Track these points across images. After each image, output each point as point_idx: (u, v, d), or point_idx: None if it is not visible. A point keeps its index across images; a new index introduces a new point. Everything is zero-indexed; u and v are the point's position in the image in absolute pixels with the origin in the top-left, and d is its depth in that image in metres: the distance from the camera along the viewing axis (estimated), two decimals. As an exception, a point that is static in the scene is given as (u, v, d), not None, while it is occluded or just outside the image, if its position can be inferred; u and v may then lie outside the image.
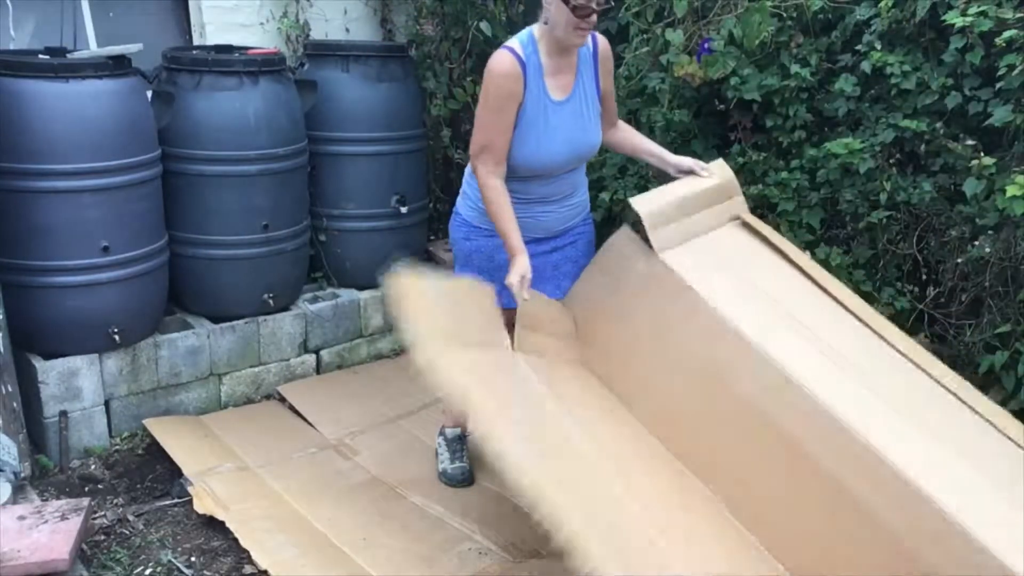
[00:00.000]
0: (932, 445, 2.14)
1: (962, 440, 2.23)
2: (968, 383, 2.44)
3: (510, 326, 2.46)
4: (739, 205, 2.72)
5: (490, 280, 2.59)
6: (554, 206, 2.61)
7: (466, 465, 2.89)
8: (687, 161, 2.67)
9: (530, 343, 2.40)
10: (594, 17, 2.37)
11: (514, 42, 2.48)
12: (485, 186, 2.47)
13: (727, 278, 2.45)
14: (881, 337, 2.48)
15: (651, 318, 2.44)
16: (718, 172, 2.69)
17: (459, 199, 2.73)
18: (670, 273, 2.42)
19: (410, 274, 2.34)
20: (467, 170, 2.67)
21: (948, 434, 2.23)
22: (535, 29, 2.48)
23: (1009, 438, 2.27)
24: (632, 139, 2.76)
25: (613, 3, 2.46)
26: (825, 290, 2.55)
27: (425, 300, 2.28)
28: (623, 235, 2.56)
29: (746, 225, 2.68)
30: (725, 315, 2.31)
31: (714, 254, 2.54)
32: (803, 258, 2.66)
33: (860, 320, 2.51)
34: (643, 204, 2.48)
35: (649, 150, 2.73)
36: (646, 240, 2.47)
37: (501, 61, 2.43)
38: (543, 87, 2.47)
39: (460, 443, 2.93)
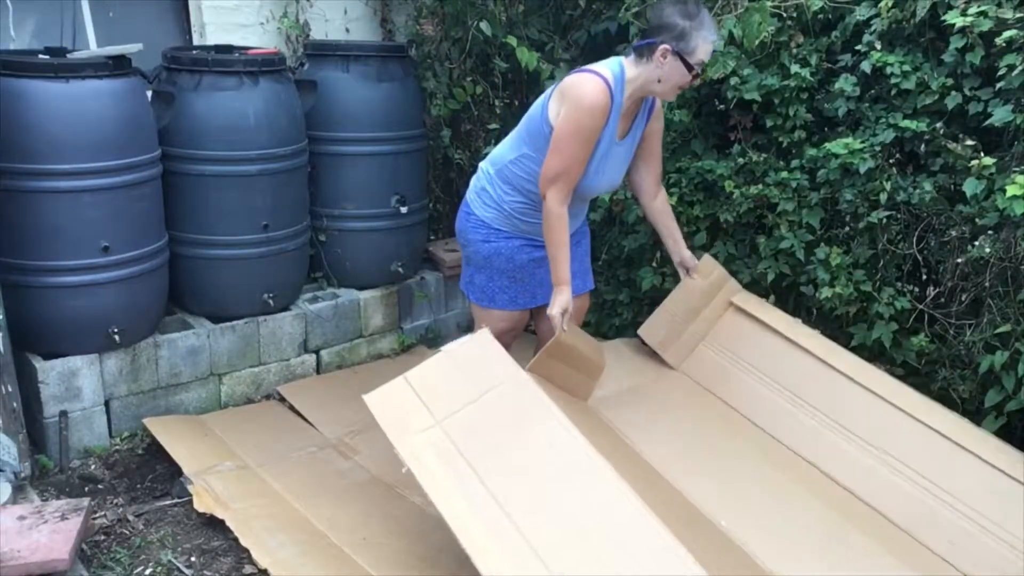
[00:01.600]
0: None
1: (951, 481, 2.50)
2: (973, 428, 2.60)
3: (521, 327, 2.61)
4: (732, 290, 3.02)
5: (511, 280, 2.66)
6: (570, 220, 2.64)
7: None
8: (690, 263, 2.88)
9: (550, 370, 2.54)
10: (696, 81, 2.48)
11: (607, 72, 2.44)
12: (551, 212, 2.47)
13: (734, 373, 2.91)
14: (883, 398, 2.67)
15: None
16: (710, 270, 2.97)
17: (473, 198, 2.72)
18: (684, 378, 2.96)
19: (382, 392, 2.43)
20: (489, 171, 2.68)
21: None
22: (627, 65, 2.47)
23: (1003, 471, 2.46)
24: (664, 219, 2.86)
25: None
26: (824, 361, 2.80)
27: (402, 409, 2.37)
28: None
29: (740, 309, 2.98)
30: (741, 410, 2.83)
31: (719, 350, 2.97)
32: (798, 328, 2.91)
33: (862, 386, 2.73)
34: (651, 335, 2.99)
35: (671, 235, 2.87)
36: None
37: (598, 94, 2.40)
38: (615, 125, 2.50)
39: None
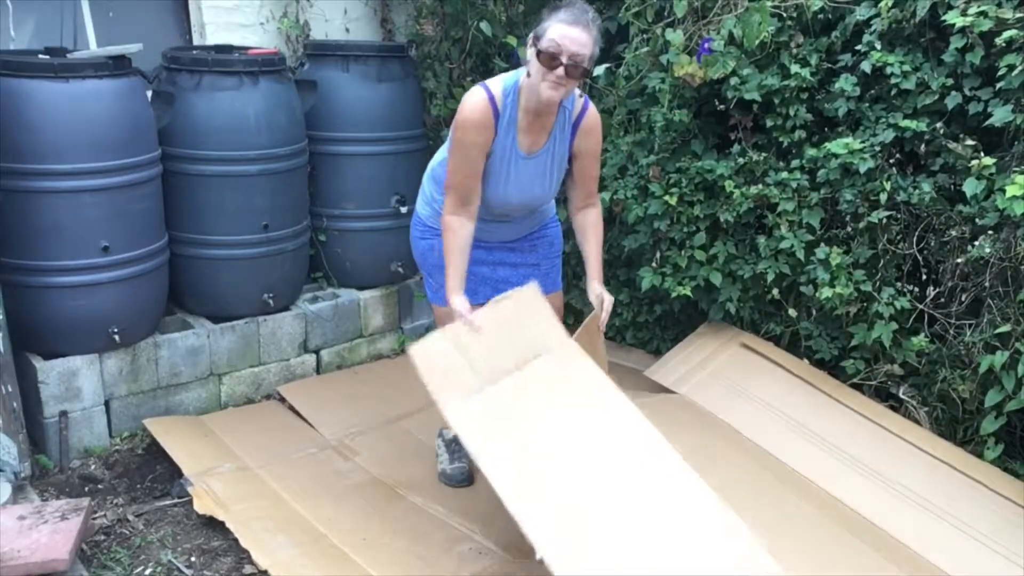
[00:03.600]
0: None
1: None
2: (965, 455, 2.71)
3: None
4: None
5: (441, 278, 2.60)
6: (510, 225, 2.66)
7: (465, 465, 2.87)
8: (597, 298, 2.64)
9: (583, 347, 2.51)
10: (561, 70, 2.30)
11: (497, 86, 2.44)
12: (443, 219, 2.48)
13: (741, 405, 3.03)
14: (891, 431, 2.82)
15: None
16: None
17: (418, 198, 2.78)
18: (693, 405, 3.05)
19: (426, 342, 2.39)
20: (428, 171, 2.73)
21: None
22: (522, 79, 2.43)
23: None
24: (584, 236, 2.68)
25: (590, 71, 2.41)
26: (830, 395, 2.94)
27: (442, 362, 2.33)
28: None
29: (748, 347, 3.15)
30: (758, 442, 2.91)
31: (726, 385, 3.10)
32: (800, 365, 3.08)
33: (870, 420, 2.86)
34: (663, 376, 3.16)
35: (587, 258, 2.68)
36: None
37: (475, 109, 2.40)
38: (514, 140, 2.46)
39: (459, 443, 2.88)
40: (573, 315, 3.77)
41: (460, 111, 2.41)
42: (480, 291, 2.68)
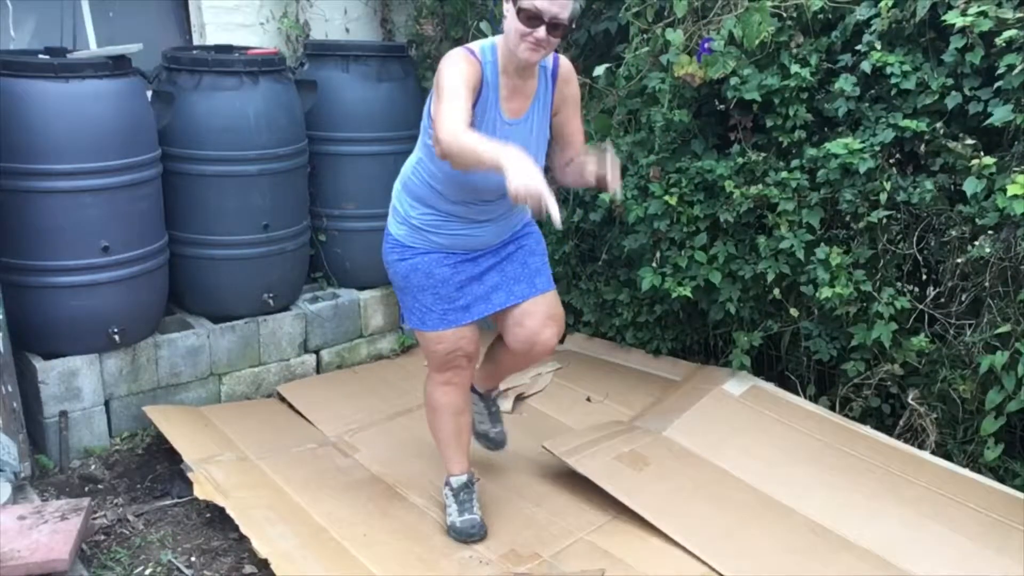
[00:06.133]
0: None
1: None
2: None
3: (469, 347, 2.51)
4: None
5: (436, 297, 2.48)
6: (493, 224, 2.49)
7: (477, 517, 2.62)
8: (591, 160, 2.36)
9: None
10: (542, 31, 2.16)
11: (474, 45, 2.32)
12: (443, 141, 2.07)
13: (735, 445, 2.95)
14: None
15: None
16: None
17: (389, 219, 2.58)
18: (689, 454, 2.93)
19: None
20: (397, 187, 2.56)
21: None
22: (499, 40, 2.30)
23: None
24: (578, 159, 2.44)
25: (572, 26, 2.27)
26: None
27: None
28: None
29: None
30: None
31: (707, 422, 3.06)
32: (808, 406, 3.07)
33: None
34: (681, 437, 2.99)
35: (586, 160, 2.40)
36: None
37: (455, 52, 2.26)
38: (496, 102, 2.32)
39: (469, 490, 2.67)
40: (573, 315, 3.78)
41: (441, 63, 2.24)
42: (474, 308, 2.51)
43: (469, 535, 2.59)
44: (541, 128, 2.43)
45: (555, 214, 1.92)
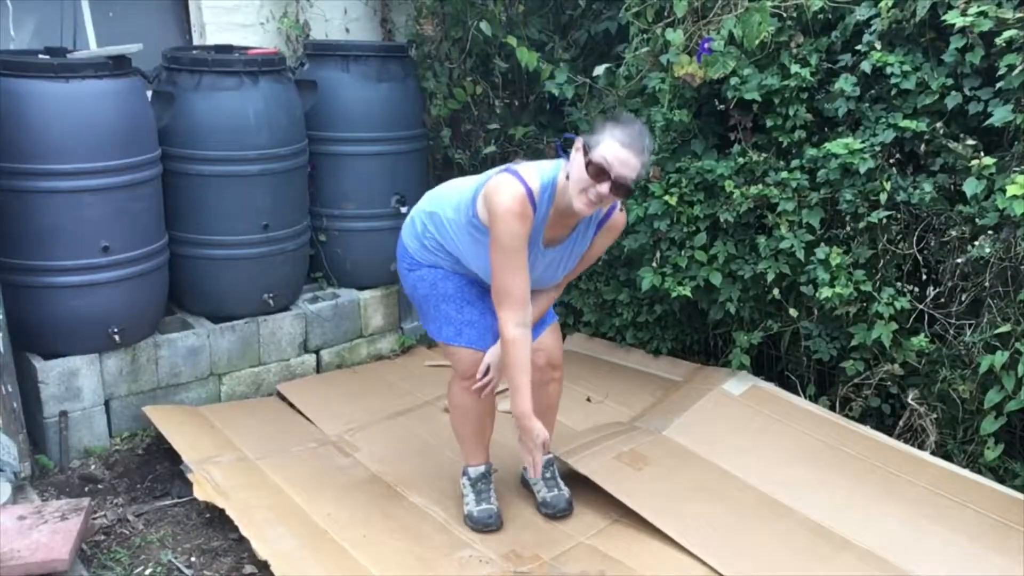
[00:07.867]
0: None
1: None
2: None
3: (471, 366, 2.52)
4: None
5: (436, 307, 2.55)
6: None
7: (494, 507, 2.65)
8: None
9: None
10: (605, 187, 2.20)
11: (534, 180, 2.31)
12: (506, 339, 2.34)
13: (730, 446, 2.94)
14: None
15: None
16: None
17: (405, 225, 2.64)
18: (689, 454, 2.91)
19: None
20: (421, 204, 2.60)
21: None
22: (561, 175, 2.33)
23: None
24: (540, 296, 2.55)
25: (632, 191, 2.32)
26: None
27: None
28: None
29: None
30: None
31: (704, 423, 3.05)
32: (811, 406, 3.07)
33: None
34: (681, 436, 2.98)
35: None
36: None
37: (514, 198, 2.27)
38: (540, 235, 2.40)
39: (486, 481, 2.70)
40: (573, 315, 3.78)
41: (498, 201, 2.27)
42: (488, 337, 2.53)
43: (486, 524, 2.62)
44: (571, 258, 2.53)
45: (532, 468, 2.54)
